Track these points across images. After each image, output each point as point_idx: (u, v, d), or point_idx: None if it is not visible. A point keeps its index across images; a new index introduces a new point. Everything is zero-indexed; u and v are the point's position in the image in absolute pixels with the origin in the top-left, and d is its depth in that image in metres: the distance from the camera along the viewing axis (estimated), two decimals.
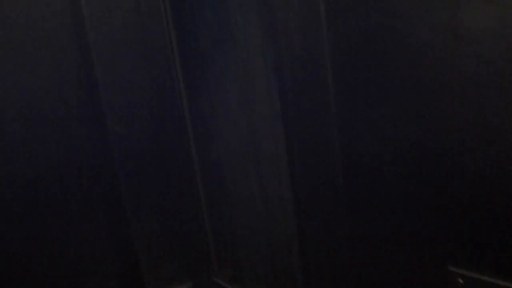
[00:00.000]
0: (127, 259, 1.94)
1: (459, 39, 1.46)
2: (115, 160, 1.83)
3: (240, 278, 2.01)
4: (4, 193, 1.75)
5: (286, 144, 1.69)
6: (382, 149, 1.61)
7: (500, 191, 1.42)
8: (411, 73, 1.54)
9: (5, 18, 1.66)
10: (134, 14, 1.76)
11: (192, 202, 1.97)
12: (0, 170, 1.74)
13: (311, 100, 1.68)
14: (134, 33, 1.78)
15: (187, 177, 1.95)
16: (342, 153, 1.66)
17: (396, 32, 1.53)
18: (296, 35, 1.62)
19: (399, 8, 1.51)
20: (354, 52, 1.61)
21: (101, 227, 1.90)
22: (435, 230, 1.54)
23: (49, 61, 1.74)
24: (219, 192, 1.95)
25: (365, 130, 1.63)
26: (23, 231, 1.79)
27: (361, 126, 1.64)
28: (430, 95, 1.53)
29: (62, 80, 1.79)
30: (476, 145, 1.47)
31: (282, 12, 1.59)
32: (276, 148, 1.73)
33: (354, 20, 1.58)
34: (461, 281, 1.53)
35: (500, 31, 1.40)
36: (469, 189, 1.47)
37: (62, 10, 1.71)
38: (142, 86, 1.82)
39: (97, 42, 1.72)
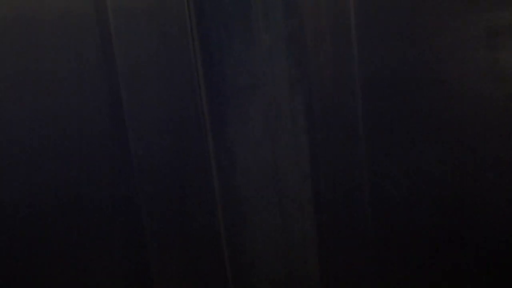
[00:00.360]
0: (142, 280, 1.92)
1: (498, 80, 1.41)
2: (136, 185, 1.82)
3: None
4: (22, 209, 1.73)
5: (311, 182, 1.65)
6: (413, 188, 1.56)
7: None
8: (445, 112, 1.49)
9: (37, 49, 1.64)
10: (163, 45, 1.75)
11: (211, 231, 1.94)
12: (21, 192, 1.72)
13: (340, 137, 1.63)
14: (161, 63, 1.77)
15: (207, 207, 1.92)
16: (371, 193, 1.61)
17: (431, 71, 1.48)
18: (327, 71, 1.57)
19: (436, 46, 1.46)
20: (386, 89, 1.56)
21: (118, 253, 1.88)
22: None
23: (76, 86, 1.73)
24: (239, 224, 1.91)
25: (396, 171, 1.58)
26: (38, 247, 1.77)
27: (391, 167, 1.59)
28: (464, 136, 1.48)
29: (87, 103, 1.77)
30: None
31: (313, 47, 1.55)
32: (300, 184, 1.69)
33: (388, 57, 1.53)
34: None
35: None
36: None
37: (90, 32, 1.70)
38: (166, 113, 1.81)
39: (124, 69, 1.70)
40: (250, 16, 1.68)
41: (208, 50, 1.84)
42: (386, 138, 1.58)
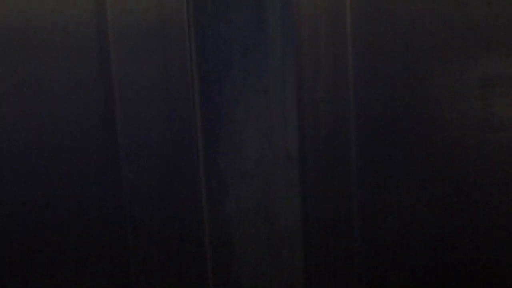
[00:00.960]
0: None
1: (492, 130, 1.42)
2: (125, 207, 1.82)
3: None
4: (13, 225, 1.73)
5: (301, 215, 1.65)
6: (406, 230, 1.57)
7: None
8: (439, 156, 1.50)
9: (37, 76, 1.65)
10: (161, 74, 1.76)
11: (198, 258, 1.94)
12: (12, 206, 1.73)
13: (332, 174, 1.64)
14: (158, 92, 1.78)
15: (195, 233, 1.92)
16: (362, 232, 1.62)
17: (426, 117, 1.49)
18: (322, 108, 1.58)
19: (431, 93, 1.47)
20: (381, 131, 1.58)
21: (104, 276, 1.88)
22: None
23: (71, 108, 1.74)
24: (227, 252, 1.91)
25: (387, 209, 1.59)
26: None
27: (383, 205, 1.60)
28: (456, 181, 1.49)
29: (81, 123, 1.78)
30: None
31: (308, 85, 1.56)
32: (290, 215, 1.70)
33: (384, 100, 1.54)
34: None
35: None
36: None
37: (89, 56, 1.71)
38: (160, 139, 1.81)
39: (121, 94, 1.70)
40: (250, 50, 1.69)
41: (206, 81, 1.85)
42: (379, 177, 1.59)
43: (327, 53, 1.54)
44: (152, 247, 1.90)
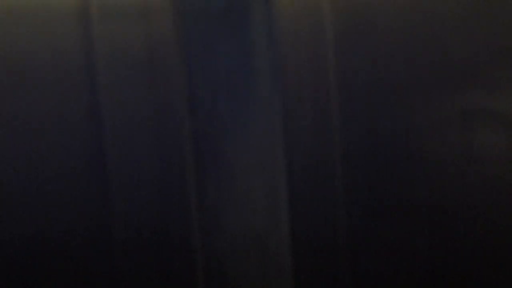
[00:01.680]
0: None
1: (472, 161, 1.45)
2: (114, 235, 1.83)
3: None
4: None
5: (291, 243, 1.67)
6: (390, 260, 1.59)
7: None
8: (420, 188, 1.53)
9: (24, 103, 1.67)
10: (152, 104, 1.76)
11: (190, 284, 1.96)
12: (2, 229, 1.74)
13: (319, 205, 1.66)
14: (147, 111, 1.78)
15: (187, 263, 1.93)
16: (351, 263, 1.64)
17: (408, 149, 1.52)
18: (308, 139, 1.61)
19: (412, 125, 1.50)
20: (365, 156, 1.60)
21: None
22: None
23: (60, 135, 1.74)
24: (220, 282, 1.93)
25: (375, 242, 1.61)
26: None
27: (370, 238, 1.62)
28: (438, 213, 1.51)
29: (73, 156, 1.79)
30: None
31: (295, 115, 1.59)
32: (280, 244, 1.72)
33: (367, 123, 1.57)
34: None
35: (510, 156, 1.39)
36: None
37: (77, 80, 1.72)
38: (150, 169, 1.82)
39: (111, 124, 1.72)
40: (238, 82, 1.71)
41: (195, 110, 1.87)
42: (362, 205, 1.62)
43: (310, 86, 1.57)
44: (141, 276, 1.91)
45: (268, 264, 1.77)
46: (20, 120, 1.72)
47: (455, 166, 1.46)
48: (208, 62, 1.78)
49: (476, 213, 1.44)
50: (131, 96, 1.73)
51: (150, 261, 1.88)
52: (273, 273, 1.77)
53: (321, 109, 1.61)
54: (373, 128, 1.54)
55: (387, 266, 1.62)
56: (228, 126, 1.79)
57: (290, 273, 1.73)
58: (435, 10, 1.43)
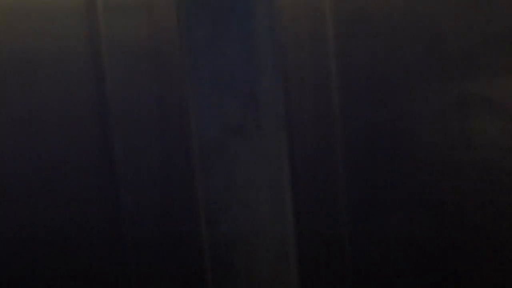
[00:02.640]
0: None
1: (469, 148, 1.47)
2: (123, 228, 1.84)
3: None
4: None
5: (294, 230, 1.69)
6: (394, 249, 1.60)
7: None
8: (420, 176, 1.54)
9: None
10: (159, 102, 1.78)
11: (198, 276, 1.96)
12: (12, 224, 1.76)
13: (320, 196, 1.67)
14: (153, 111, 1.80)
15: (194, 252, 1.94)
16: (353, 252, 1.65)
17: (406, 136, 1.54)
18: (310, 129, 1.61)
19: (410, 112, 1.52)
20: (365, 146, 1.62)
21: None
22: None
23: (73, 138, 1.77)
24: (227, 270, 1.94)
25: (376, 230, 1.62)
26: None
27: (373, 224, 1.63)
28: (436, 201, 1.53)
29: (81, 152, 1.81)
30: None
31: (297, 105, 1.59)
32: (283, 232, 1.73)
33: (366, 114, 1.59)
34: None
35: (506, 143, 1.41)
36: None
37: (88, 88, 1.74)
38: (156, 158, 1.83)
39: (118, 124, 1.75)
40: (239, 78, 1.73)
41: (199, 103, 1.88)
42: (365, 192, 1.63)
43: (312, 80, 1.60)
44: (149, 267, 1.92)
45: (272, 251, 1.78)
46: (27, 114, 1.73)
47: (451, 152, 1.48)
48: (210, 55, 1.80)
49: (472, 198, 1.46)
50: (135, 89, 1.74)
51: (154, 246, 1.89)
52: (277, 260, 1.77)
53: (323, 101, 1.64)
54: (373, 117, 1.57)
55: (390, 254, 1.63)
56: (231, 119, 1.80)
57: (296, 263, 1.74)
58: None
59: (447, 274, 1.55)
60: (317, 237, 1.73)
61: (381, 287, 1.68)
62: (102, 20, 1.60)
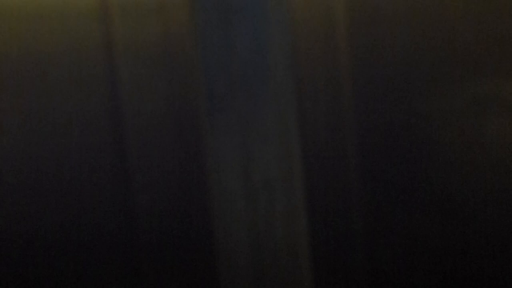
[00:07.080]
0: None
1: (484, 147, 1.47)
2: (138, 228, 1.84)
3: None
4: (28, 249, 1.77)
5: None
6: (410, 257, 1.60)
7: None
8: (435, 178, 1.54)
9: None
10: (166, 82, 1.78)
11: (210, 275, 1.96)
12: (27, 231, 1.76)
13: (335, 193, 1.67)
14: (166, 113, 1.80)
15: (206, 256, 1.94)
16: (367, 259, 1.65)
17: (421, 135, 1.54)
18: (322, 128, 1.61)
19: (424, 111, 1.52)
20: (381, 145, 1.62)
21: None
22: None
23: (88, 145, 1.77)
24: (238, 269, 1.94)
25: (393, 238, 1.62)
26: None
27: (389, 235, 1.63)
28: (450, 203, 1.53)
29: (95, 154, 1.81)
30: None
31: (309, 103, 1.58)
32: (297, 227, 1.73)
33: (380, 115, 1.59)
34: None
35: None
36: None
37: (101, 91, 1.74)
38: (170, 158, 1.83)
39: (132, 126, 1.75)
40: (252, 81, 1.73)
41: (212, 104, 1.88)
42: (378, 191, 1.63)
43: (324, 78, 1.60)
44: (163, 266, 1.92)
45: (282, 262, 1.78)
46: (42, 116, 1.73)
47: (466, 152, 1.48)
48: (224, 56, 1.80)
49: (487, 200, 1.46)
50: (149, 91, 1.74)
51: (168, 247, 1.89)
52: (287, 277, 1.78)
53: (335, 98, 1.64)
54: (386, 116, 1.57)
55: (403, 252, 1.63)
56: (244, 118, 1.80)
57: (307, 264, 1.74)
58: None
59: (461, 272, 1.55)
60: (330, 234, 1.73)
61: (394, 285, 1.68)
62: (116, 23, 1.60)
